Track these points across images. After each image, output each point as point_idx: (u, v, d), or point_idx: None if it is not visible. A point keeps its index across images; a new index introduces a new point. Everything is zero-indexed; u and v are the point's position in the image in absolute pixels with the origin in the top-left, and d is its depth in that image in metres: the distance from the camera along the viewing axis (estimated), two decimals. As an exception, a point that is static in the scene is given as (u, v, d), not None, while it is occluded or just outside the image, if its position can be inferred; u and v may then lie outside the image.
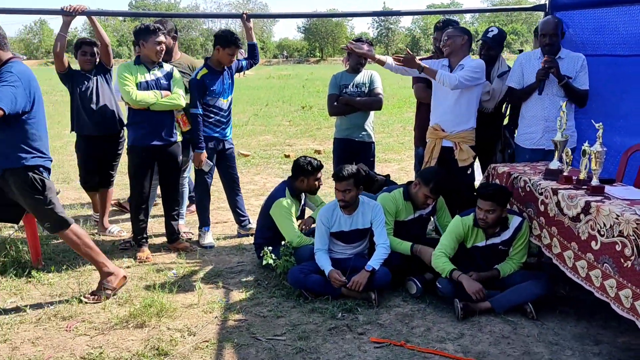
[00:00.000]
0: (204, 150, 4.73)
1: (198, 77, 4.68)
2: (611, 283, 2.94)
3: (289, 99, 19.34)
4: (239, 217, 5.22)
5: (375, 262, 3.81)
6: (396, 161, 8.71)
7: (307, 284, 3.78)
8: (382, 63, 4.46)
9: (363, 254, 4.09)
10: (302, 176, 4.26)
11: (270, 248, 4.06)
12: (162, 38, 4.41)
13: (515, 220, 3.72)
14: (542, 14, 5.12)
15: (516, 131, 4.66)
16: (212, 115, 4.79)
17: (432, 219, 4.42)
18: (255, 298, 3.85)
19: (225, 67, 4.79)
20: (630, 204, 3.06)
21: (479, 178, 4.62)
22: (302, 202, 4.47)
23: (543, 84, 4.21)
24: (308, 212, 4.65)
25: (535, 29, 4.93)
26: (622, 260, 2.85)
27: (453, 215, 4.07)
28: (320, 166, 4.30)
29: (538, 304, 3.57)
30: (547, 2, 5.20)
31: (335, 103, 4.91)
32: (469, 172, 4.47)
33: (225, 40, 4.62)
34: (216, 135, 4.83)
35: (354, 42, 4.68)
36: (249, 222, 5.19)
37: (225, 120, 4.89)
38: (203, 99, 4.70)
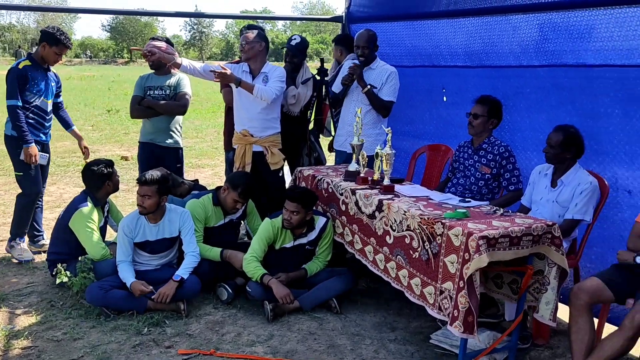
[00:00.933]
0: (33, 143, 4.31)
1: (20, 67, 4.26)
2: (404, 273, 3.22)
3: (92, 101, 17.94)
4: (34, 231, 4.70)
5: (183, 271, 3.68)
6: (210, 166, 8.60)
7: (108, 300, 3.51)
8: (177, 66, 4.33)
9: (171, 264, 3.92)
10: (107, 180, 3.96)
11: (65, 265, 3.69)
12: None
13: (320, 221, 3.89)
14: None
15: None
16: (33, 116, 4.38)
17: (242, 223, 4.42)
18: (47, 321, 3.46)
19: (50, 68, 4.46)
20: (416, 201, 3.39)
21: (288, 181, 4.75)
22: (106, 213, 4.14)
23: (347, 89, 4.45)
24: (110, 231, 4.31)
25: (334, 37, 5.24)
26: (411, 252, 3.14)
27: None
28: (112, 163, 4.06)
29: (342, 298, 3.78)
30: (344, 15, 5.58)
31: (138, 106, 4.67)
32: (280, 174, 4.57)
33: (54, 38, 4.29)
34: (37, 139, 4.43)
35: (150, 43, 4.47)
36: (43, 238, 4.69)
37: (47, 125, 4.52)
38: (23, 93, 4.29)
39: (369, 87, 4.39)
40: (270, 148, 4.42)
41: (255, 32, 4.39)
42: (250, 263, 3.75)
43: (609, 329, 2.95)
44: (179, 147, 4.86)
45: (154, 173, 3.71)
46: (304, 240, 3.88)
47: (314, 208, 3.94)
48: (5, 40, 67.62)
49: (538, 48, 3.83)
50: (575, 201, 3.37)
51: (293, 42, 4.82)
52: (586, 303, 2.88)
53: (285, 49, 4.90)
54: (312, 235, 3.89)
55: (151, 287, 3.56)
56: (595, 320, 3.02)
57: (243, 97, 4.38)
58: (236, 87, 4.28)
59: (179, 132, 4.86)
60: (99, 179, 3.92)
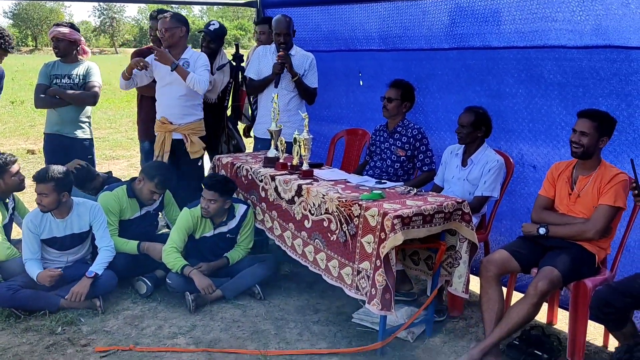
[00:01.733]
0: None
1: None
2: (322, 256, 3.26)
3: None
4: None
5: (97, 266, 3.53)
6: (125, 157, 8.30)
7: (17, 300, 3.31)
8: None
9: (85, 260, 3.75)
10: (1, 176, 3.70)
11: (-35, 266, 3.45)
12: None
13: (241, 209, 3.85)
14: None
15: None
16: None
17: (161, 214, 4.30)
18: (-52, 328, 3.23)
19: None
20: (334, 184, 3.43)
21: (207, 169, 4.67)
22: (10, 210, 3.89)
23: (279, 77, 4.36)
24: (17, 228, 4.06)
25: (255, 19, 5.15)
26: (329, 235, 3.19)
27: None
28: (13, 159, 3.80)
29: (266, 284, 3.78)
30: (258, 0, 5.51)
31: (42, 95, 4.41)
32: (199, 163, 4.48)
33: None
34: None
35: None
36: None
37: None
38: None
39: (298, 75, 4.35)
40: (190, 136, 4.31)
41: (171, 15, 4.23)
42: (170, 254, 3.66)
43: (517, 297, 3.13)
44: (89, 138, 4.64)
45: (51, 169, 3.46)
46: (224, 229, 3.84)
47: (235, 196, 3.90)
48: None
49: (447, 32, 3.96)
50: (484, 179, 3.54)
51: (211, 27, 4.71)
52: (495, 274, 3.03)
53: (202, 34, 4.79)
54: (233, 224, 3.84)
55: (60, 270, 3.41)
56: (505, 290, 3.19)
57: (162, 84, 4.26)
58: (171, 71, 4.11)
59: (88, 122, 4.64)
60: None
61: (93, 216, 3.65)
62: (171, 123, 4.28)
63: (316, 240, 3.30)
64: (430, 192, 3.34)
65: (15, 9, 73.34)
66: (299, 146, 3.67)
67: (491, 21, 3.60)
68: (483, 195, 3.55)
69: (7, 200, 3.85)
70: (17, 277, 3.46)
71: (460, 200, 3.08)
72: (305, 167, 3.66)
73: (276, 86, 4.40)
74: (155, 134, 4.40)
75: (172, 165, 4.24)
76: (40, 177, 3.41)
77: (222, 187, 3.67)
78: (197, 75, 4.12)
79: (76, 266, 3.63)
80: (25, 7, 70.30)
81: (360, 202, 3.00)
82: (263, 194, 3.80)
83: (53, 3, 70.33)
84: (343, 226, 3.08)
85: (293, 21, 4.42)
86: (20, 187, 3.87)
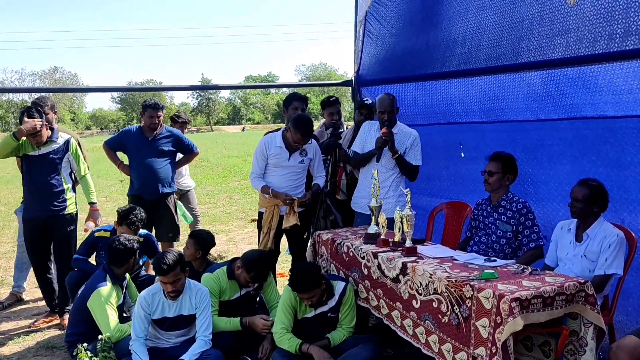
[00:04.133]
0: None
1: None
2: (434, 339, 3.10)
3: (105, 172, 18.20)
4: None
5: (189, 355, 3.53)
6: (224, 232, 8.56)
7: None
8: None
9: (192, 340, 3.79)
10: (134, 256, 3.93)
11: (85, 345, 3.59)
12: None
13: (339, 286, 3.78)
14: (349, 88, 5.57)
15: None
16: None
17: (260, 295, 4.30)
18: (67, 405, 3.34)
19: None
20: (440, 262, 3.31)
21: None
22: (124, 290, 4.06)
23: (381, 152, 4.40)
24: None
25: (322, 101, 5.31)
26: (440, 316, 3.04)
27: None
28: (136, 247, 4.00)
29: (369, 366, 3.63)
30: (353, 79, 5.68)
31: None
32: (304, 236, 4.60)
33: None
34: None
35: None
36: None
37: None
38: None
39: (399, 153, 4.37)
40: (294, 206, 4.46)
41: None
42: (283, 335, 3.65)
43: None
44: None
45: (170, 254, 3.56)
46: (325, 308, 3.76)
47: (328, 273, 3.86)
48: (17, 117, 69.41)
49: (556, 102, 3.85)
50: (604, 256, 3.28)
51: (367, 102, 5.07)
52: (627, 363, 2.75)
53: (359, 107, 5.12)
54: (333, 302, 3.77)
55: None
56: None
57: (278, 167, 4.52)
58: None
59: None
60: (126, 254, 3.90)
61: (199, 301, 3.69)
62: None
63: (427, 321, 3.15)
64: (547, 272, 3.13)
65: (122, 94, 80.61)
66: (401, 222, 3.61)
67: (605, 90, 3.46)
68: (606, 274, 3.28)
69: (124, 281, 4.04)
70: (129, 358, 3.52)
71: (582, 281, 2.85)
72: (408, 243, 3.57)
73: (378, 160, 4.42)
74: (261, 210, 4.55)
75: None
76: (170, 266, 3.48)
77: (309, 283, 3.60)
78: (322, 179, 4.63)
79: (183, 346, 3.67)
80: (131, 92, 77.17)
81: (472, 283, 2.85)
82: (366, 272, 3.73)
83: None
84: (455, 308, 2.93)
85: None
86: (134, 268, 4.07)
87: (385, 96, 4.46)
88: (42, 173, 4.60)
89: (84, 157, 5.21)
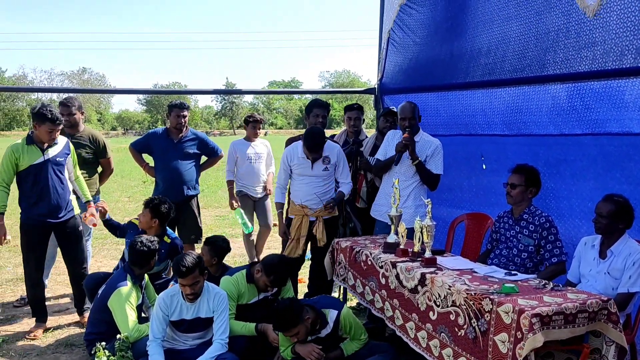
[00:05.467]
0: None
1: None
2: (448, 352, 3.07)
3: (128, 173, 18.44)
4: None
5: (205, 358, 3.53)
6: (242, 236, 8.57)
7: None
8: None
9: (209, 342, 3.81)
10: (155, 256, 4.00)
11: (103, 344, 3.63)
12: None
13: (332, 314, 3.72)
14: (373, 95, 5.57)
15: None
16: None
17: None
18: (85, 403, 3.38)
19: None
20: (460, 274, 3.27)
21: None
22: (143, 290, 4.10)
23: (400, 156, 4.39)
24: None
25: (345, 106, 5.33)
26: (457, 329, 3.00)
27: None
28: (157, 248, 4.04)
29: (385, 377, 3.61)
30: (376, 86, 5.68)
31: None
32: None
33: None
34: None
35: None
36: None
37: None
38: None
39: (419, 160, 4.36)
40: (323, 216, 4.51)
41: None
42: (285, 351, 3.66)
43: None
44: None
45: (188, 257, 3.56)
46: (321, 335, 3.71)
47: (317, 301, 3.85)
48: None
49: (580, 117, 3.80)
50: (628, 273, 3.21)
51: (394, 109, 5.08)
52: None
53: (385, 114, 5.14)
54: (327, 330, 3.71)
55: None
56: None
57: (304, 176, 4.55)
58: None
59: None
60: (148, 256, 3.95)
61: (217, 304, 3.71)
62: (310, 208, 4.49)
63: (442, 334, 3.12)
64: (569, 288, 3.07)
65: (148, 97, 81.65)
66: (422, 233, 3.59)
67: (632, 106, 3.40)
68: (629, 292, 3.21)
69: (143, 281, 4.08)
70: (146, 358, 3.55)
71: (605, 299, 2.80)
72: (427, 254, 3.55)
73: (396, 164, 4.42)
74: (291, 216, 4.60)
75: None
76: (190, 268, 3.50)
77: (290, 320, 3.50)
78: (347, 187, 4.61)
79: (200, 348, 3.69)
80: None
81: (491, 297, 2.82)
82: (383, 281, 3.71)
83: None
84: (472, 321, 2.90)
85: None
86: (152, 269, 4.11)
87: (406, 104, 4.48)
88: (52, 178, 4.40)
89: (110, 158, 5.29)
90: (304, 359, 3.62)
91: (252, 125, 6.00)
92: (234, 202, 5.93)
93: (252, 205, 5.99)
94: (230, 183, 5.96)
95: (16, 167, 4.31)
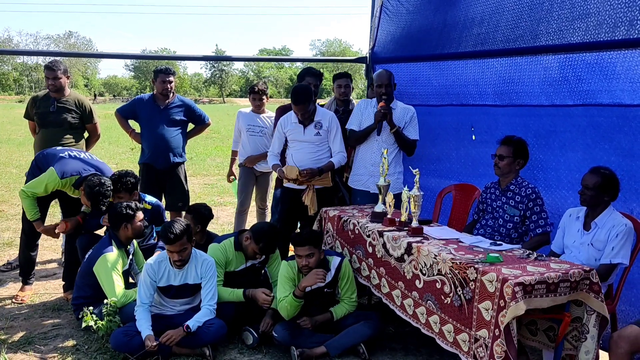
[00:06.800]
0: None
1: None
2: (435, 319, 3.12)
3: (115, 139, 18.28)
4: None
5: (193, 322, 3.56)
6: (232, 204, 8.56)
7: (132, 347, 3.43)
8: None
9: (196, 308, 3.84)
10: (125, 222, 3.93)
11: (91, 308, 3.64)
12: None
13: (335, 261, 3.80)
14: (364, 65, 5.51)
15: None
16: None
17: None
18: (72, 366, 3.41)
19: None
20: (446, 244, 3.31)
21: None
22: (130, 256, 4.10)
23: (381, 125, 4.42)
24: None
25: (334, 74, 5.26)
26: (443, 297, 3.05)
27: None
28: (141, 207, 4.03)
29: (370, 343, 3.67)
30: (368, 55, 5.61)
31: None
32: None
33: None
34: None
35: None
36: None
37: None
38: None
39: (397, 127, 4.39)
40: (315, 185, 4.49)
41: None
42: (281, 302, 3.68)
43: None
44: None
45: (177, 223, 3.59)
46: (321, 284, 3.78)
47: (324, 247, 3.86)
48: (32, 80, 69.73)
49: (572, 88, 3.79)
50: (611, 245, 3.26)
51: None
52: (627, 351, 2.77)
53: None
54: (329, 277, 3.77)
55: (156, 343, 3.41)
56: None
57: (297, 142, 4.53)
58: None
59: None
60: (117, 219, 3.91)
61: (204, 271, 3.73)
62: (299, 167, 4.43)
63: (428, 301, 3.17)
64: (552, 258, 3.12)
65: (136, 62, 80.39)
66: (409, 202, 3.60)
67: (623, 78, 3.39)
68: (611, 263, 3.26)
69: (129, 247, 4.07)
70: (132, 323, 3.58)
71: (587, 269, 2.84)
72: (414, 224, 3.57)
73: (379, 134, 4.45)
74: (286, 184, 4.55)
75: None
76: (177, 235, 3.51)
77: (314, 239, 3.67)
78: (339, 158, 4.52)
79: (188, 314, 3.71)
80: (145, 60, 76.83)
81: (476, 266, 2.86)
82: (370, 250, 3.75)
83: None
84: (458, 290, 2.94)
85: (395, 75, 4.50)
86: (142, 234, 4.09)
87: (383, 71, 4.54)
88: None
89: (96, 123, 5.22)
90: (305, 305, 3.70)
91: (252, 97, 5.64)
92: (231, 176, 5.85)
93: (254, 179, 5.75)
94: (233, 154, 5.83)
95: None
